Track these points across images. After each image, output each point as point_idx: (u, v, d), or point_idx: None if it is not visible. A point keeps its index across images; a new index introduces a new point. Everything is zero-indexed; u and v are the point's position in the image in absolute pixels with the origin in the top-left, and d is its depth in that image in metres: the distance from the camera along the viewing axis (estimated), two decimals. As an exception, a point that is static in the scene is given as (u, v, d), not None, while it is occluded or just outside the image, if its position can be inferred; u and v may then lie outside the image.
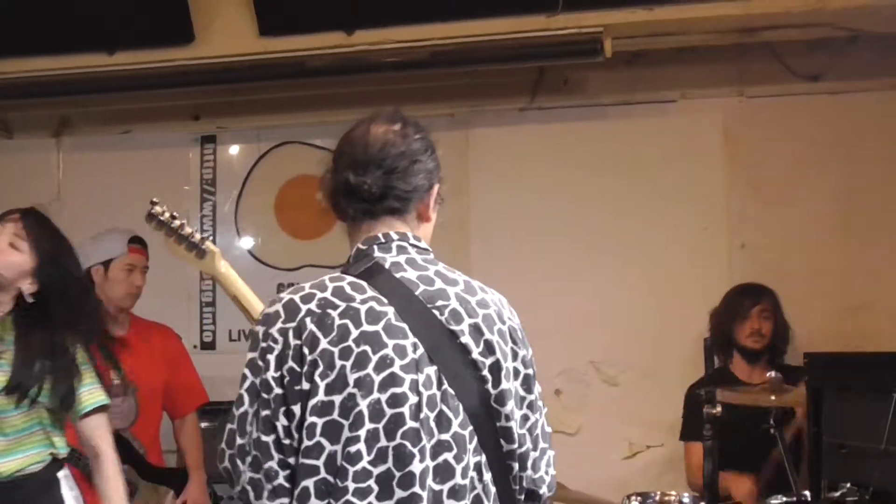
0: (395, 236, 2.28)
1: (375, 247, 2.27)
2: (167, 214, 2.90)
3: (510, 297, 5.61)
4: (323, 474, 2.09)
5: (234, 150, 6.13)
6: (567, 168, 5.59)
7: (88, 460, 4.19)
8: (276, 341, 2.15)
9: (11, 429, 3.26)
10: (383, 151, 2.27)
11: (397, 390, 2.11)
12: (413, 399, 2.11)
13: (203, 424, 4.90)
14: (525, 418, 2.25)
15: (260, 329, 2.21)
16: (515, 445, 2.22)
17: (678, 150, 5.50)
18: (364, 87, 5.63)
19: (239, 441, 2.16)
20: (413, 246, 2.29)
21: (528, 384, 2.27)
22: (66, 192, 6.22)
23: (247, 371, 2.19)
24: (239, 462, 2.14)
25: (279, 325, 2.17)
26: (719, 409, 3.75)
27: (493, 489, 2.19)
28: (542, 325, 5.31)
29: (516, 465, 2.24)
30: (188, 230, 2.91)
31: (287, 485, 2.12)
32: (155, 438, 4.65)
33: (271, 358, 2.14)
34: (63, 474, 3.39)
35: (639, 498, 3.99)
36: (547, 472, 2.31)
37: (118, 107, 6.07)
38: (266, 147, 6.02)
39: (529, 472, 2.26)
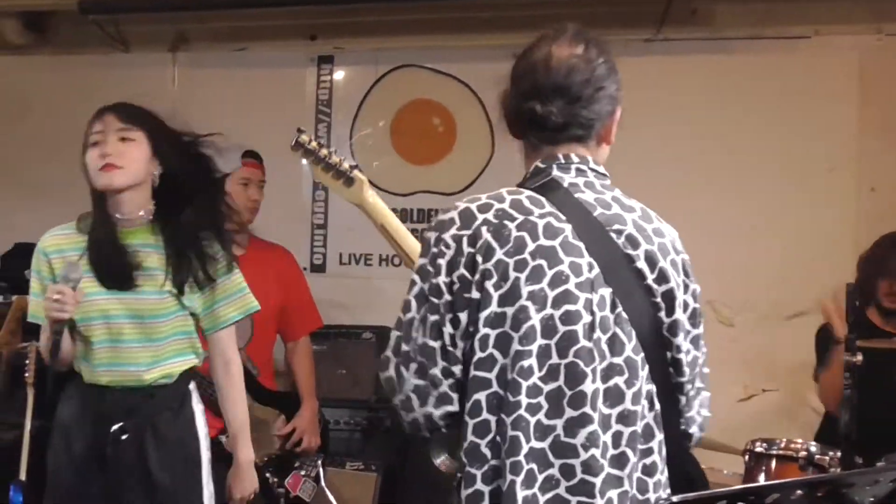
0: (575, 158, 2.30)
1: (555, 166, 2.28)
2: (314, 143, 2.94)
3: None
4: (495, 388, 2.12)
5: (350, 71, 6.19)
6: (691, 102, 5.58)
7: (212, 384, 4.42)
8: (448, 246, 2.19)
9: (159, 335, 3.30)
10: (568, 78, 2.27)
11: (571, 308, 2.13)
12: (587, 318, 2.13)
13: (312, 347, 5.02)
14: (688, 352, 2.26)
15: (432, 235, 2.24)
16: (684, 378, 2.24)
17: (809, 88, 5.45)
18: (486, 13, 5.68)
19: (404, 347, 2.20)
20: (592, 170, 2.30)
21: (694, 319, 2.28)
22: (181, 108, 6.36)
23: (416, 277, 2.23)
24: (403, 369, 2.19)
25: (453, 230, 2.20)
26: (860, 357, 3.69)
27: (662, 420, 2.21)
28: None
29: (683, 399, 2.26)
30: (336, 158, 2.95)
31: (451, 393, 2.17)
32: (268, 360, 4.76)
33: (442, 263, 2.18)
34: (192, 386, 3.46)
35: (764, 444, 3.96)
36: (699, 413, 2.31)
37: (235, 23, 6.20)
38: (384, 70, 6.08)
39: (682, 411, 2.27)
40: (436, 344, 2.17)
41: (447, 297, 2.17)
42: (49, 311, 3.12)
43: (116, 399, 3.29)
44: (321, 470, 4.66)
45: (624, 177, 5.48)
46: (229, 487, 3.58)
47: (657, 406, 2.20)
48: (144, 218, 3.31)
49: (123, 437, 3.26)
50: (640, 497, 2.14)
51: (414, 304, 2.22)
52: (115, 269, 3.25)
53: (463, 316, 2.15)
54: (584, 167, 2.30)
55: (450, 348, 2.17)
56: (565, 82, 2.27)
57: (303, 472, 4.63)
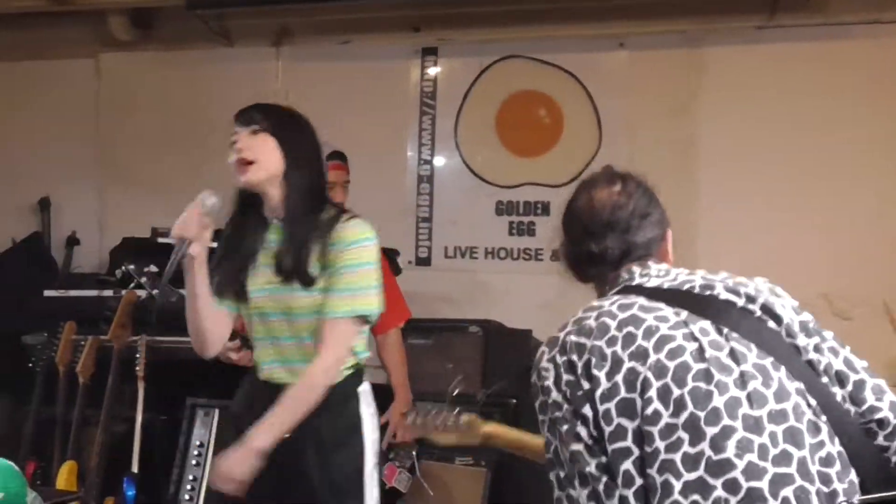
0: (636, 269, 2.42)
1: (620, 280, 2.43)
2: (419, 419, 3.27)
3: (739, 225, 5.73)
4: (636, 452, 2.18)
5: (455, 63, 6.25)
6: (805, 91, 5.54)
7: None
8: (547, 370, 2.32)
9: (307, 332, 3.28)
10: (614, 215, 2.43)
11: (673, 345, 2.21)
12: (692, 346, 2.20)
13: (417, 341, 5.07)
14: (819, 361, 2.27)
15: (534, 374, 2.37)
16: (825, 380, 2.25)
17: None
18: (593, 2, 5.73)
19: (562, 474, 2.29)
20: (655, 269, 2.42)
21: (806, 330, 2.29)
22: (285, 102, 6.56)
23: (540, 416, 2.34)
24: (571, 490, 2.27)
25: (546, 357, 2.34)
26: None
27: (823, 416, 2.20)
28: (771, 254, 5.37)
29: (841, 396, 2.24)
30: (440, 419, 3.22)
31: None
32: None
33: (549, 384, 2.30)
34: (363, 389, 3.39)
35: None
36: (880, 399, 2.26)
37: (338, 16, 6.28)
38: (488, 61, 6.14)
39: (852, 407, 2.25)
40: (578, 447, 2.24)
41: (567, 406, 2.27)
42: (174, 228, 3.13)
43: (282, 392, 3.25)
44: (416, 461, 4.71)
45: (732, 168, 5.55)
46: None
47: (812, 402, 2.21)
48: (280, 213, 3.33)
49: (286, 435, 3.20)
50: (825, 489, 2.14)
51: (549, 435, 2.32)
52: (260, 270, 3.31)
53: (587, 410, 2.24)
54: (646, 271, 2.42)
55: (591, 443, 2.24)
56: (612, 218, 2.43)
57: (398, 464, 4.70)
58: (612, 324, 2.28)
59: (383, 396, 4.76)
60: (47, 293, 5.74)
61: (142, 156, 6.73)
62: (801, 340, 2.26)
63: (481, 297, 5.87)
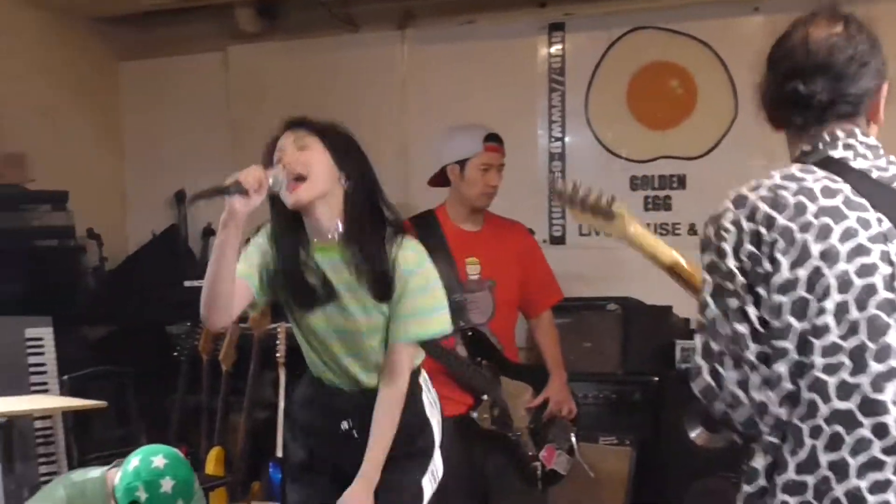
0: (840, 134, 2.26)
1: (820, 144, 2.27)
2: (570, 188, 3.01)
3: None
4: (795, 356, 2.11)
5: (582, 37, 6.22)
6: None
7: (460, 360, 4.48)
8: (728, 231, 2.19)
9: (368, 349, 3.27)
10: (830, 58, 2.25)
11: (866, 260, 2.10)
12: (885, 269, 2.11)
13: (555, 321, 5.03)
14: None
15: (710, 229, 2.24)
16: None
17: None
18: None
19: (715, 347, 2.19)
20: (861, 143, 2.26)
21: None
22: (411, 85, 6.57)
23: (706, 275, 2.23)
24: (720, 367, 2.18)
25: (730, 217, 2.20)
26: None
27: None
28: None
29: None
30: (593, 197, 2.99)
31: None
32: (511, 336, 4.77)
33: (727, 248, 2.18)
34: (423, 378, 3.45)
35: None
36: None
37: (461, -5, 6.31)
38: (617, 33, 6.09)
39: None
40: (744, 329, 2.17)
41: (741, 278, 2.18)
42: (235, 175, 2.98)
43: (344, 397, 3.34)
44: (575, 443, 4.71)
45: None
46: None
47: None
48: (336, 232, 3.23)
49: (356, 435, 3.30)
50: None
51: (711, 301, 2.22)
52: (307, 291, 3.25)
53: (762, 290, 2.15)
54: (851, 140, 2.26)
55: (759, 328, 2.16)
56: (827, 61, 2.26)
57: (556, 445, 4.65)
58: (812, 208, 2.15)
59: (539, 377, 4.82)
60: (187, 284, 5.90)
61: (272, 146, 6.86)
62: None
63: (618, 274, 5.84)
